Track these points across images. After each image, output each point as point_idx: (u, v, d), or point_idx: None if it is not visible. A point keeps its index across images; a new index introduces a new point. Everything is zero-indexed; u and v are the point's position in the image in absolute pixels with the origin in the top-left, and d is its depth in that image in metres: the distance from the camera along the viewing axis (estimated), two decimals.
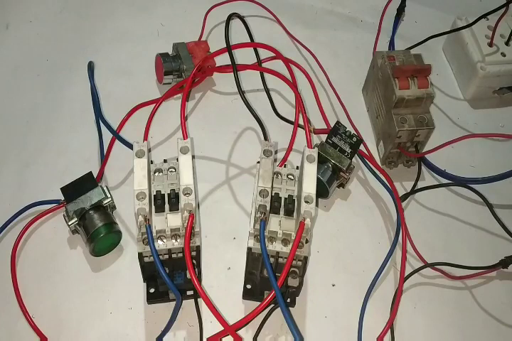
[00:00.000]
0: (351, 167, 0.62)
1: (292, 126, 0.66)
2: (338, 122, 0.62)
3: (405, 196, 0.64)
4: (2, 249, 0.58)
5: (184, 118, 0.54)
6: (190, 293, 0.55)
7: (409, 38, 0.77)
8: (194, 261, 0.52)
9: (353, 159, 0.62)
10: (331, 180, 0.61)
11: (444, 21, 0.77)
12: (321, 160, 0.61)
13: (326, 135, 0.62)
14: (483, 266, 0.58)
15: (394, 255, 0.60)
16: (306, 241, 0.49)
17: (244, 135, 0.69)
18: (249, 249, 0.51)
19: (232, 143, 0.68)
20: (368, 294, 0.57)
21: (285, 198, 0.52)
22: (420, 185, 0.65)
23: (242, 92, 0.66)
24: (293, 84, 0.67)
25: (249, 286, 0.56)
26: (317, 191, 0.49)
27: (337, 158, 0.61)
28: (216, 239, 0.61)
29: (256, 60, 0.73)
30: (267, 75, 0.70)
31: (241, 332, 0.55)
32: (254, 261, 0.52)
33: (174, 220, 0.50)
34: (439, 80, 0.75)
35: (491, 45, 0.71)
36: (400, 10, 0.79)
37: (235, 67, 0.68)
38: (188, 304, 0.56)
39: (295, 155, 0.65)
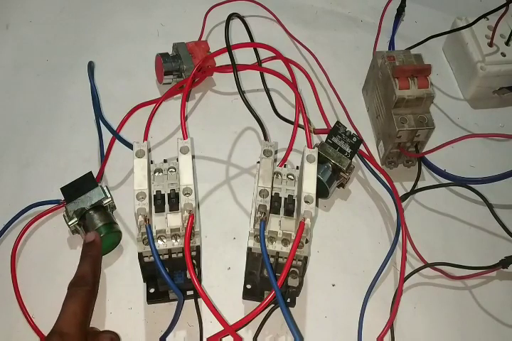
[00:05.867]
0: (351, 167, 0.62)
1: (292, 126, 0.66)
2: (338, 122, 0.62)
3: (405, 196, 0.64)
4: (2, 249, 0.58)
5: (184, 118, 0.54)
6: (190, 293, 0.55)
7: (409, 38, 0.77)
8: (194, 261, 0.52)
9: (353, 159, 0.62)
10: (331, 180, 0.61)
11: (444, 21, 0.77)
12: (321, 160, 0.61)
13: (326, 135, 0.62)
14: (483, 266, 0.58)
15: (394, 255, 0.60)
16: (306, 241, 0.49)
17: (244, 135, 0.69)
18: (249, 249, 0.51)
19: (232, 143, 0.68)
20: (368, 294, 0.57)
21: (285, 198, 0.52)
22: (420, 185, 0.65)
23: (242, 92, 0.66)
24: (293, 84, 0.68)
25: (249, 286, 0.56)
26: (317, 191, 0.49)
27: (337, 158, 0.61)
28: (216, 239, 0.61)
29: (256, 60, 0.73)
30: (267, 75, 0.70)
31: (241, 332, 0.55)
32: (254, 261, 0.52)
33: (174, 220, 0.50)
34: (439, 80, 0.75)
35: (491, 45, 0.71)
36: (400, 10, 0.79)
37: (235, 67, 0.68)
38: (188, 304, 0.56)
39: (295, 155, 0.65)
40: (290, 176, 0.54)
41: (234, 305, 0.57)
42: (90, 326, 0.53)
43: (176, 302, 0.50)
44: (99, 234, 0.56)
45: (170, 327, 0.51)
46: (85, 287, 0.52)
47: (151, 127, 0.65)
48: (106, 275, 0.58)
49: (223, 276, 0.59)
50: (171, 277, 0.48)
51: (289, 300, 0.56)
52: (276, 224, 0.50)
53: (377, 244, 0.62)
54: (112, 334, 0.50)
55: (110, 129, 0.64)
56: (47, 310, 0.55)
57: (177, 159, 0.50)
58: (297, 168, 0.54)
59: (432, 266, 0.59)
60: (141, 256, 0.51)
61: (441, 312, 0.58)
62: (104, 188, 0.59)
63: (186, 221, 0.48)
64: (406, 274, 0.59)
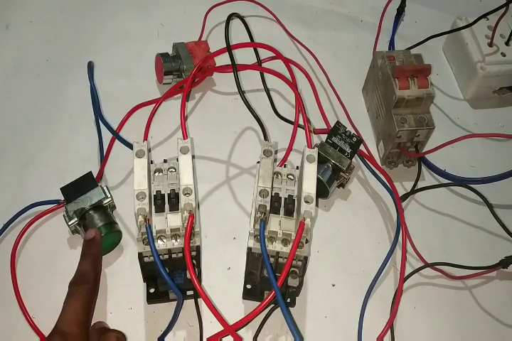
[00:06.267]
0: (351, 167, 0.62)
1: (292, 126, 0.66)
2: (338, 122, 0.62)
3: (405, 196, 0.64)
4: (2, 249, 0.58)
5: (184, 118, 0.54)
6: (190, 293, 0.55)
7: (409, 38, 0.77)
8: (194, 261, 0.52)
9: (353, 159, 0.62)
10: (331, 180, 0.61)
11: (444, 21, 0.77)
12: (321, 160, 0.61)
13: (326, 135, 0.62)
14: (483, 266, 0.58)
15: (394, 255, 0.60)
16: (306, 241, 0.49)
17: (244, 135, 0.69)
18: (249, 249, 0.51)
19: (232, 143, 0.68)
20: (368, 294, 0.57)
21: (285, 198, 0.52)
22: (420, 185, 0.65)
23: (242, 92, 0.66)
24: (293, 84, 0.67)
25: (249, 286, 0.56)
26: (317, 191, 0.49)
27: (337, 158, 0.61)
28: (216, 239, 0.61)
29: (256, 60, 0.73)
30: (267, 75, 0.70)
31: (241, 332, 0.55)
32: (254, 261, 0.52)
33: (174, 220, 0.50)
34: (439, 80, 0.75)
35: (491, 45, 0.71)
36: (400, 10, 0.79)
37: (235, 67, 0.68)
38: (188, 304, 0.56)
39: (295, 155, 0.65)
40: (290, 176, 0.54)
41: (234, 305, 0.57)
42: (98, 321, 0.53)
43: (176, 303, 0.50)
44: (99, 232, 0.56)
45: (169, 327, 0.51)
46: (86, 285, 0.52)
47: (151, 127, 0.65)
48: (106, 275, 0.58)
49: (223, 276, 0.59)
50: (171, 277, 0.48)
51: (289, 300, 0.56)
52: (276, 224, 0.50)
53: (377, 244, 0.62)
54: (118, 334, 0.50)
55: (110, 129, 0.64)
56: (47, 310, 0.55)
57: (177, 159, 0.50)
58: (297, 168, 0.54)
59: (432, 266, 0.59)
60: (141, 256, 0.51)
61: (441, 312, 0.58)
62: (104, 188, 0.59)
63: (186, 221, 0.48)
64: (406, 274, 0.59)
